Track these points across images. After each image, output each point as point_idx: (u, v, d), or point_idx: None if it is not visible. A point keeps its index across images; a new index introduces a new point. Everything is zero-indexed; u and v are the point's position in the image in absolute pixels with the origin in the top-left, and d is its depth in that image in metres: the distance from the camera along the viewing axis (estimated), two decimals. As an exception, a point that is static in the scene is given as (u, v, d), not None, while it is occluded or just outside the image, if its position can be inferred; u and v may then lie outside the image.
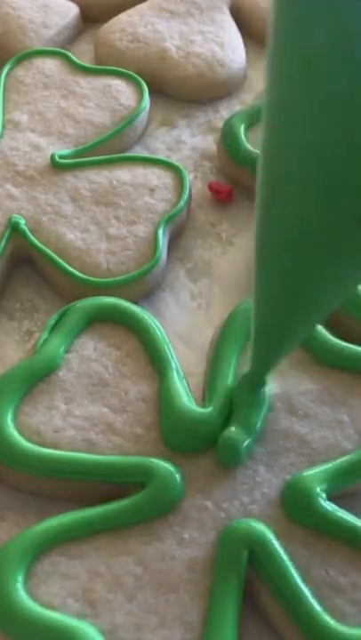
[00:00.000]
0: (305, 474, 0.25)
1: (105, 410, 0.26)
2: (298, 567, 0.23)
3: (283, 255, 0.20)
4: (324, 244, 0.18)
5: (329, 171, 0.17)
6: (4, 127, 0.34)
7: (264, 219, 0.19)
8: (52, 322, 0.28)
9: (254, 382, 0.25)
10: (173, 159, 0.34)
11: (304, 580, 0.23)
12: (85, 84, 0.36)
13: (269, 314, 0.22)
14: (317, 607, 0.23)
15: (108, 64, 0.37)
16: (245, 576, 0.23)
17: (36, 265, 0.31)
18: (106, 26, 0.38)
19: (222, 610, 0.23)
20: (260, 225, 0.20)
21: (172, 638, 0.22)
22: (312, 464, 0.25)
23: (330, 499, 0.24)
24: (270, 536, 0.24)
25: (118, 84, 0.35)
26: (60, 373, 0.27)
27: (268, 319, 0.22)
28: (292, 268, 0.20)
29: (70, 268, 0.30)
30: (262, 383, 0.25)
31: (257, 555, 0.23)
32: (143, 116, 0.35)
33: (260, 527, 0.24)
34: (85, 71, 0.36)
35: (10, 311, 0.31)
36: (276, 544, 0.23)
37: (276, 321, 0.22)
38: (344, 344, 0.27)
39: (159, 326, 0.28)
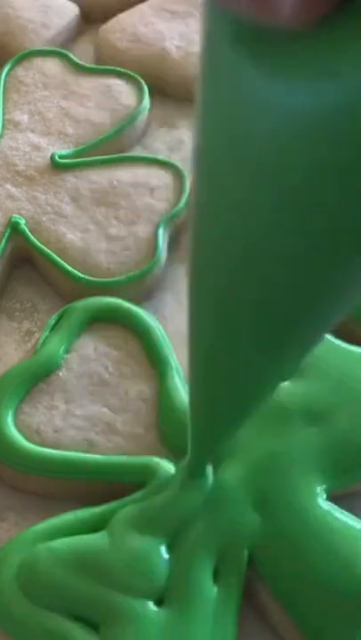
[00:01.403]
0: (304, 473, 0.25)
1: (105, 410, 0.26)
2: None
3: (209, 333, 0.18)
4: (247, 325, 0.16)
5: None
6: (4, 127, 0.34)
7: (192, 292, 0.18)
8: (52, 322, 0.28)
9: (193, 472, 0.24)
10: (173, 159, 0.34)
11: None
12: (85, 83, 0.36)
13: (203, 399, 0.20)
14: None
15: (108, 64, 0.37)
16: (245, 576, 0.23)
17: (36, 265, 0.31)
18: (106, 26, 0.38)
19: (222, 610, 0.23)
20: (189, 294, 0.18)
21: None
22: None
23: (330, 498, 0.25)
24: (271, 535, 0.24)
25: (118, 84, 0.35)
26: (60, 373, 0.27)
27: (203, 405, 0.20)
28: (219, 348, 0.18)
29: (70, 268, 0.30)
30: (202, 472, 0.24)
31: (257, 555, 0.23)
32: (143, 116, 0.35)
33: (259, 527, 0.24)
34: (85, 71, 0.36)
35: (10, 311, 0.31)
36: (276, 544, 0.24)
37: (211, 408, 0.20)
38: None
39: (159, 326, 0.28)
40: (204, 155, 0.15)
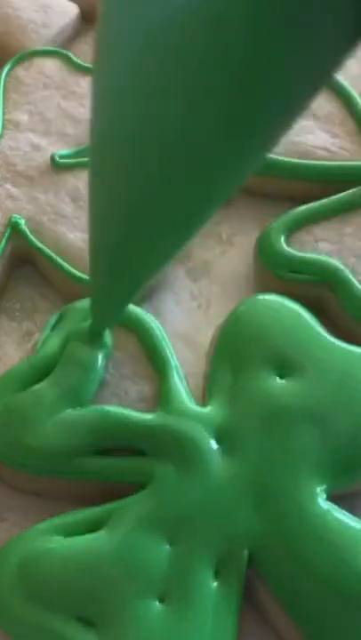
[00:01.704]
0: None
1: (105, 410, 0.26)
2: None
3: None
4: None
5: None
6: (4, 127, 0.34)
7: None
8: (52, 322, 0.28)
9: (93, 337, 0.25)
10: (173, 159, 0.34)
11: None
12: (85, 84, 0.36)
13: (104, 262, 0.20)
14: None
15: (108, 64, 0.37)
16: (245, 576, 0.23)
17: (37, 265, 0.31)
18: (106, 26, 0.38)
19: (222, 610, 0.23)
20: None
21: None
22: None
23: (330, 498, 0.25)
24: (271, 535, 0.24)
25: (118, 84, 0.35)
26: (61, 373, 0.27)
27: (104, 268, 0.20)
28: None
29: (70, 268, 0.30)
30: (100, 340, 0.26)
31: (257, 555, 0.23)
32: (143, 116, 0.35)
33: (259, 527, 0.24)
34: (85, 71, 0.36)
35: (10, 311, 0.31)
36: (276, 544, 0.24)
37: (112, 270, 0.20)
38: None
39: (159, 326, 0.28)
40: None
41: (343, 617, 0.23)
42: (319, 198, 0.31)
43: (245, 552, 0.23)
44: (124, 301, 0.22)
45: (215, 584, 0.23)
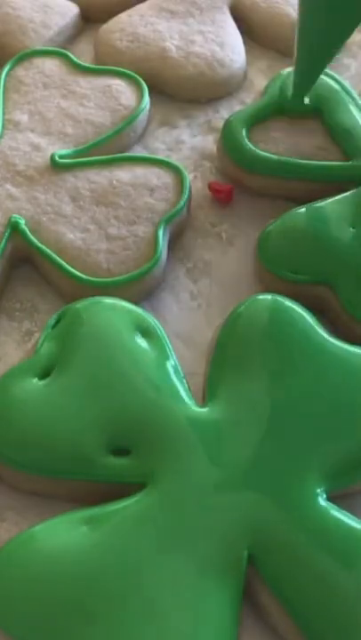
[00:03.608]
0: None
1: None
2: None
3: None
4: None
5: None
6: (4, 127, 0.34)
7: None
8: (51, 322, 0.28)
9: (296, 98, 0.33)
10: (173, 159, 0.34)
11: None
12: (85, 83, 0.36)
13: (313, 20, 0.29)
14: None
15: (108, 64, 0.37)
16: (245, 576, 0.23)
17: (36, 265, 0.31)
18: (106, 26, 0.38)
19: (222, 610, 0.23)
20: None
21: None
22: None
23: (330, 499, 0.25)
24: (271, 535, 0.24)
25: (118, 84, 0.35)
26: (60, 373, 0.27)
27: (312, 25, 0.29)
28: None
29: (70, 268, 0.30)
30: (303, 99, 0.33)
31: (257, 555, 0.23)
32: (143, 116, 0.35)
33: (258, 527, 0.24)
34: (85, 71, 0.36)
35: (10, 311, 0.31)
36: (276, 544, 0.24)
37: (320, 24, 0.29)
38: None
39: (159, 326, 0.28)
40: None
41: (343, 616, 0.23)
42: (319, 198, 0.31)
43: (245, 552, 0.23)
44: (322, 65, 0.31)
45: (215, 584, 0.23)
